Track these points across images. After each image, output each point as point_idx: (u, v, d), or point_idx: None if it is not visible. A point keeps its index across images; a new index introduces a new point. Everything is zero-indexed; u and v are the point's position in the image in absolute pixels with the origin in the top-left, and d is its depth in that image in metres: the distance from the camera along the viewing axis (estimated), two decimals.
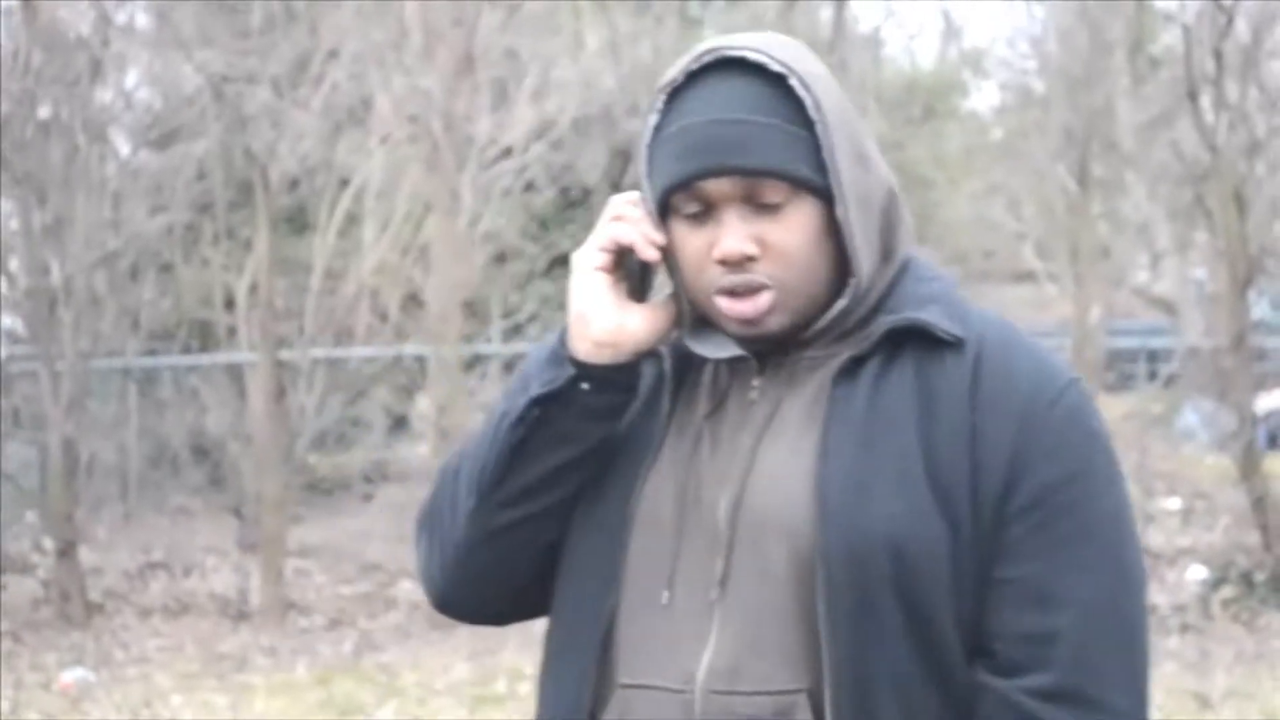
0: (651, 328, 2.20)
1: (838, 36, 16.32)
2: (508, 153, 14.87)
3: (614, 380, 2.20)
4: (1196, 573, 12.18)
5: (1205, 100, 12.54)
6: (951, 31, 23.12)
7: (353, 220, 15.52)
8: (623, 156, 18.57)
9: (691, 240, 2.16)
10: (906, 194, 2.29)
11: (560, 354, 2.20)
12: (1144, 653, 2.15)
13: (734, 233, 2.12)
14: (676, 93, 2.16)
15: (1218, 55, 12.35)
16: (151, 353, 16.63)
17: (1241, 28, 12.63)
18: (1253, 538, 12.26)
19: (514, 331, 18.96)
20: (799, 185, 2.12)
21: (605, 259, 2.21)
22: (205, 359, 16.52)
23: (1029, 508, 2.10)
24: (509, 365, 17.82)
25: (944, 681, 2.09)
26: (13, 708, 10.09)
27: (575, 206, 19.52)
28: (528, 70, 15.05)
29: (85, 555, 13.46)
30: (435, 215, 13.49)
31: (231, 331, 15.65)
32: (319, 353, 14.27)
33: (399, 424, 17.85)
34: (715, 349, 2.21)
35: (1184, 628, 11.30)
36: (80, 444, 13.41)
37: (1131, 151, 16.55)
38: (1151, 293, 18.43)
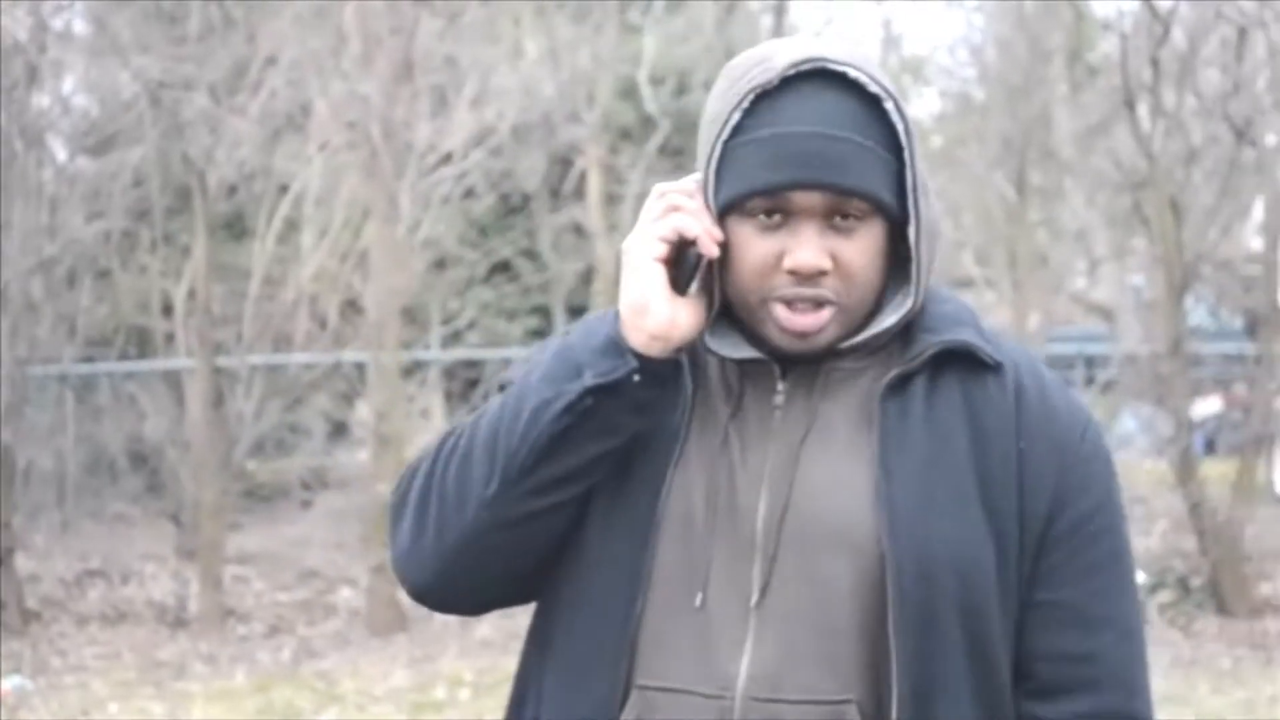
0: (695, 322, 2.17)
1: None
2: (447, 159, 14.83)
3: (660, 374, 2.16)
4: None
5: (1142, 108, 12.62)
6: (891, 39, 23.13)
7: (291, 227, 15.47)
8: (562, 163, 18.59)
9: (759, 245, 2.14)
10: None
11: (620, 344, 2.14)
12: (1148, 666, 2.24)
13: (812, 246, 2.12)
14: (765, 95, 2.13)
15: (1154, 63, 12.43)
16: (89, 359, 16.54)
17: (1178, 36, 12.71)
18: (1189, 543, 12.32)
19: (453, 338, 18.94)
20: (878, 208, 2.14)
21: (665, 250, 2.16)
22: (143, 365, 16.43)
23: (1067, 534, 2.17)
24: (448, 371, 17.81)
25: (993, 701, 2.14)
26: None
27: (514, 213, 19.51)
28: (467, 77, 15.01)
29: (22, 563, 13.37)
30: (374, 222, 13.42)
31: (169, 338, 15.57)
32: (257, 359, 14.21)
33: (338, 431, 17.81)
34: (731, 348, 2.20)
35: None
36: (17, 451, 13.32)
37: (1069, 159, 16.64)
38: (1089, 299, 18.57)
